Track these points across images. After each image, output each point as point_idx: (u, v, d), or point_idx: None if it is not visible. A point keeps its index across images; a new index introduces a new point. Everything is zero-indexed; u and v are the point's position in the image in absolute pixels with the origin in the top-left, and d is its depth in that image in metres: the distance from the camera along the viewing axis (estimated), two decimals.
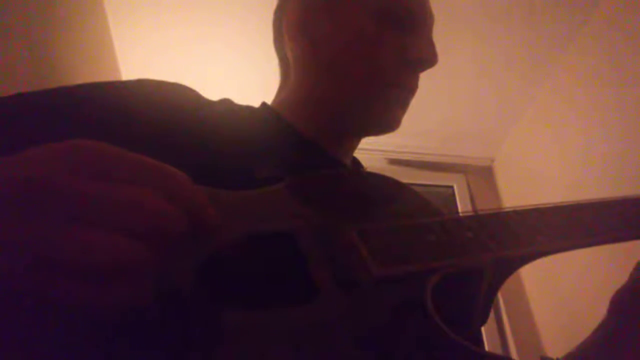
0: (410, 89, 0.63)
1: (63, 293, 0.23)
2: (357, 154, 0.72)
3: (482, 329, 0.54)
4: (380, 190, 0.51)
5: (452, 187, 2.35)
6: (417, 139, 2.24)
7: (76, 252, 0.23)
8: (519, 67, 1.95)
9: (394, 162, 2.34)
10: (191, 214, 0.28)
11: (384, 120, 0.62)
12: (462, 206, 2.26)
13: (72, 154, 0.26)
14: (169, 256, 0.27)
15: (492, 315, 1.98)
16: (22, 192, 0.24)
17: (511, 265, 0.43)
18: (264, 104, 0.68)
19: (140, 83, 0.56)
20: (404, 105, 0.63)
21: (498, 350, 1.90)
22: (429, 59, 0.60)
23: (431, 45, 0.61)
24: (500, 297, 2.00)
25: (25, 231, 0.23)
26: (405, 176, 2.25)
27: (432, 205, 0.50)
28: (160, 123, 0.50)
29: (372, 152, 2.20)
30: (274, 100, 0.70)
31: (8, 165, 0.25)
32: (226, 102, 0.63)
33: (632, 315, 0.49)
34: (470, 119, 2.21)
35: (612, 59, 1.68)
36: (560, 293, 1.86)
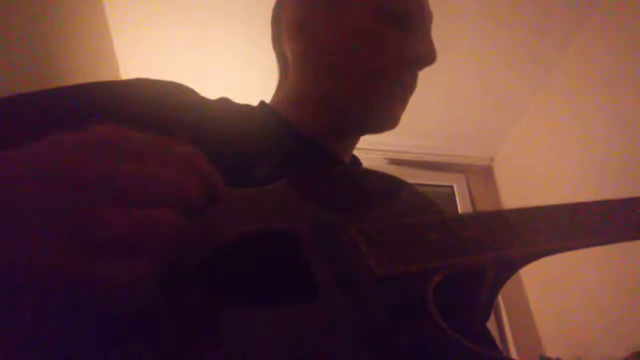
0: (409, 87, 0.63)
1: (101, 269, 0.24)
2: (357, 154, 0.72)
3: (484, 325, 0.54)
4: (381, 188, 0.51)
5: (452, 187, 2.35)
6: (417, 139, 2.24)
7: (115, 227, 0.25)
8: (519, 67, 1.95)
9: (394, 162, 2.34)
10: (207, 184, 0.31)
11: (383, 118, 0.62)
12: (462, 206, 2.26)
13: (98, 140, 0.28)
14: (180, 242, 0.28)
15: (492, 315, 1.98)
16: (59, 184, 0.25)
17: (513, 266, 0.43)
18: (262, 103, 0.68)
19: (139, 82, 0.56)
20: (403, 103, 0.63)
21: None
22: (428, 57, 0.61)
23: (430, 43, 0.61)
24: (500, 297, 2.00)
25: (65, 214, 0.24)
26: (405, 176, 2.22)
27: (432, 202, 0.50)
28: (158, 122, 0.50)
29: (372, 152, 2.20)
30: (273, 99, 0.70)
31: (39, 156, 0.27)
32: (224, 101, 0.63)
33: None
34: (471, 119, 2.21)
35: (612, 58, 1.68)
36: (560, 293, 1.86)
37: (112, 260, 0.25)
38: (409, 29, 0.61)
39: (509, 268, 0.43)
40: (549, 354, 1.84)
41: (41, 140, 0.28)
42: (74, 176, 0.25)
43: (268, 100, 0.70)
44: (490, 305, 0.43)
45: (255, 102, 0.68)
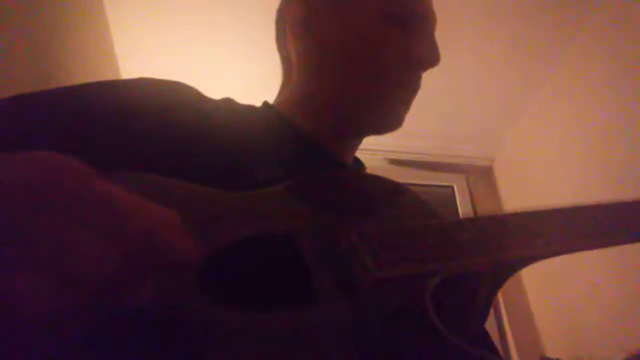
0: (413, 89, 0.63)
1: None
2: (357, 153, 0.72)
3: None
4: (382, 193, 0.51)
5: (452, 187, 2.34)
6: (417, 139, 2.24)
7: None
8: (520, 67, 1.95)
9: (394, 162, 2.34)
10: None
11: (387, 119, 0.62)
12: (462, 206, 2.26)
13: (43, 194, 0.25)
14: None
15: (492, 315, 1.99)
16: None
17: (511, 268, 0.43)
18: (265, 103, 0.68)
19: (142, 82, 0.56)
20: (406, 104, 0.63)
21: (498, 351, 1.90)
22: (431, 58, 0.61)
23: (434, 45, 0.62)
24: (500, 297, 2.00)
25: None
26: (405, 176, 2.25)
27: (433, 208, 0.50)
28: (161, 121, 0.50)
29: (372, 152, 2.20)
30: (276, 99, 0.70)
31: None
32: (228, 101, 0.63)
33: None
34: (471, 119, 2.21)
35: (613, 58, 1.68)
36: (560, 293, 1.86)
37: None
38: (412, 30, 0.61)
39: (507, 271, 0.43)
40: (549, 354, 1.85)
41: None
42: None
43: (270, 100, 0.70)
44: (487, 307, 0.43)
45: (255, 102, 0.68)
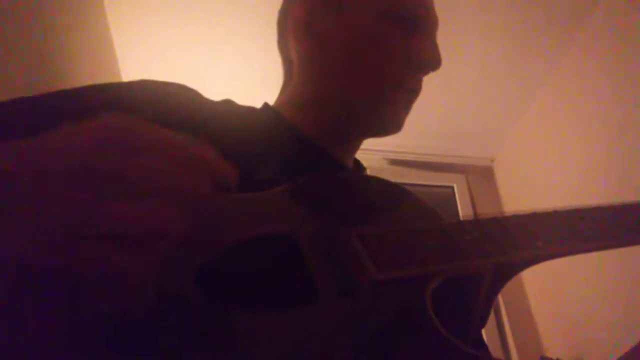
0: (413, 91, 0.63)
1: (106, 261, 0.26)
2: (357, 153, 0.72)
3: (482, 329, 0.54)
4: (382, 195, 0.51)
5: (452, 187, 2.34)
6: (417, 139, 2.24)
7: (119, 222, 0.26)
8: (520, 67, 1.95)
9: (394, 162, 2.34)
10: (217, 177, 0.32)
11: (388, 121, 0.62)
12: (462, 206, 2.26)
13: (111, 134, 0.29)
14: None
15: (492, 315, 1.99)
16: (80, 181, 0.26)
17: (511, 270, 0.43)
18: (265, 105, 0.68)
19: (142, 84, 0.56)
20: (407, 107, 0.63)
21: (498, 351, 1.90)
22: (432, 62, 0.61)
23: (435, 48, 0.62)
24: (500, 297, 2.00)
25: (79, 211, 0.26)
26: (405, 176, 2.25)
27: (432, 209, 0.50)
28: (161, 124, 0.50)
29: (372, 152, 2.20)
30: (277, 101, 0.70)
31: (60, 150, 0.28)
32: (228, 103, 0.63)
33: None
34: (471, 119, 2.21)
35: (614, 58, 1.68)
36: (560, 293, 1.86)
37: (120, 252, 0.26)
38: (414, 32, 0.61)
39: (507, 273, 0.43)
40: (549, 354, 1.85)
41: (59, 131, 0.29)
42: (92, 173, 0.26)
43: (271, 101, 0.70)
44: (487, 309, 0.43)
45: (255, 103, 0.68)
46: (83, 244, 0.25)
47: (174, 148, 0.31)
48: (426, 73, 0.62)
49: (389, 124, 0.62)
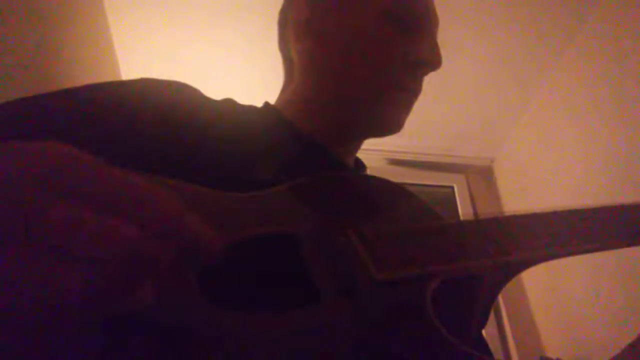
0: (414, 92, 0.63)
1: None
2: (357, 153, 0.72)
3: (482, 330, 0.54)
4: (383, 195, 0.51)
5: (452, 187, 2.34)
6: (417, 139, 2.24)
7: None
8: (520, 67, 1.95)
9: (393, 162, 2.34)
10: (190, 248, 0.26)
11: (388, 122, 0.62)
12: (462, 206, 2.26)
13: (69, 175, 0.25)
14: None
15: (492, 316, 1.99)
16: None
17: (511, 271, 0.43)
18: (266, 104, 0.68)
19: (143, 82, 0.56)
20: (407, 107, 0.63)
21: (498, 351, 1.90)
22: (433, 62, 0.61)
23: (436, 49, 0.61)
24: (500, 298, 2.00)
25: None
26: (405, 176, 2.25)
27: (432, 209, 0.50)
28: (162, 122, 0.50)
29: (371, 152, 2.20)
30: (277, 100, 0.70)
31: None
32: (229, 102, 0.63)
33: None
34: (471, 119, 2.21)
35: (613, 58, 1.68)
36: (560, 293, 1.86)
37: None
38: (415, 33, 0.61)
39: (507, 273, 0.43)
40: (549, 354, 1.85)
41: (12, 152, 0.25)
42: (39, 218, 0.23)
43: (271, 101, 0.70)
44: (487, 310, 0.43)
45: (255, 102, 0.68)
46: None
47: (144, 208, 0.25)
48: (426, 73, 0.62)
49: (390, 125, 0.62)
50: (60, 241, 0.23)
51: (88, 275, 0.23)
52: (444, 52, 0.63)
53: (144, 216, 0.24)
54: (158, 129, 0.49)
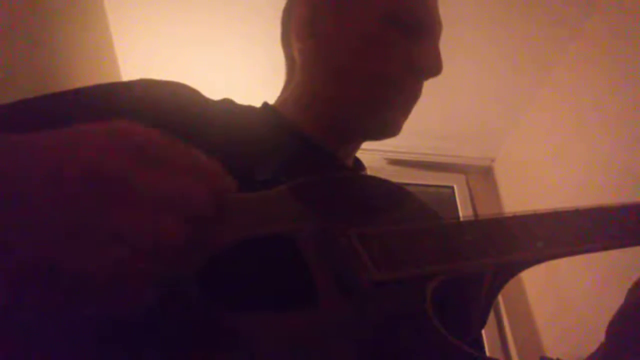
0: (413, 96, 0.63)
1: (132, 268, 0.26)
2: (357, 154, 0.72)
3: (482, 330, 0.54)
4: (383, 195, 0.51)
5: (452, 187, 2.34)
6: (417, 139, 2.24)
7: (143, 234, 0.26)
8: (520, 67, 1.95)
9: (393, 162, 2.34)
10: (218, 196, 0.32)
11: (387, 125, 0.62)
12: (462, 206, 2.26)
13: (123, 140, 0.29)
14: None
15: (492, 315, 1.98)
16: (85, 186, 0.26)
17: (510, 271, 0.43)
18: (265, 104, 0.68)
19: (142, 83, 0.56)
20: (406, 111, 0.63)
21: (498, 351, 1.90)
22: (433, 68, 0.61)
23: (437, 54, 0.61)
24: (500, 297, 2.00)
25: (87, 218, 0.26)
26: (405, 176, 2.25)
27: (432, 209, 0.50)
28: (161, 122, 0.50)
29: (371, 152, 2.20)
30: (277, 99, 0.70)
31: (66, 150, 0.27)
32: (227, 102, 0.63)
33: (627, 341, 0.48)
34: (471, 119, 2.21)
35: (614, 58, 1.68)
36: (560, 293, 1.86)
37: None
38: (417, 38, 0.61)
39: (507, 274, 0.43)
40: (549, 354, 1.84)
41: (68, 130, 0.29)
42: (98, 179, 0.26)
43: (270, 100, 0.70)
44: (487, 310, 0.43)
45: (255, 102, 0.68)
46: (83, 246, 0.25)
47: (183, 160, 0.31)
48: (427, 78, 0.62)
49: (389, 128, 0.62)
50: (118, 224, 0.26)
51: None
52: (444, 52, 0.62)
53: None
54: (158, 129, 0.49)
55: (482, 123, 2.23)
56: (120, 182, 0.27)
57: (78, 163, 0.27)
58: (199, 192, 0.30)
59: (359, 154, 0.72)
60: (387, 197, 0.51)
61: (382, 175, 0.57)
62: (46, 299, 0.25)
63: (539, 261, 0.43)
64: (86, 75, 1.50)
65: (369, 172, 0.71)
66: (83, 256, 0.25)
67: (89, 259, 0.25)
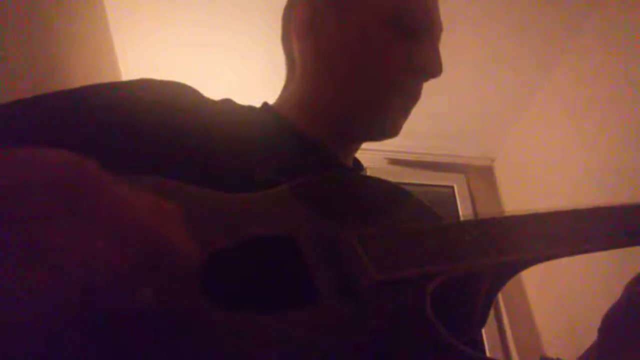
0: (413, 97, 0.63)
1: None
2: (357, 153, 0.72)
3: (482, 330, 0.54)
4: (383, 195, 0.51)
5: (452, 187, 2.34)
6: (417, 139, 2.24)
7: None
8: (520, 67, 1.95)
9: (393, 162, 2.34)
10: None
11: (387, 126, 0.62)
12: (462, 206, 2.26)
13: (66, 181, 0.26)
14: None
15: (492, 315, 1.98)
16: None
17: (510, 271, 0.43)
18: (265, 104, 0.68)
19: (142, 83, 0.56)
20: (405, 112, 0.64)
21: (498, 351, 1.90)
22: (433, 69, 0.61)
23: (437, 55, 0.61)
24: (500, 297, 2.00)
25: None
26: (405, 176, 2.25)
27: (432, 209, 0.50)
28: (161, 123, 0.50)
29: (371, 152, 2.20)
30: (277, 100, 0.70)
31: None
32: (227, 102, 0.63)
33: (622, 338, 0.48)
34: (471, 119, 2.21)
35: (613, 59, 1.68)
36: (560, 293, 1.86)
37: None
38: (417, 39, 0.61)
39: (507, 273, 0.43)
40: (549, 354, 1.85)
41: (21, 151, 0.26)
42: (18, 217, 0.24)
43: (270, 101, 0.70)
44: (487, 310, 0.43)
45: (255, 103, 0.68)
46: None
47: (119, 216, 0.27)
48: (427, 79, 0.62)
49: (388, 129, 0.62)
50: (56, 258, 0.24)
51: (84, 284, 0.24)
52: (444, 52, 0.62)
53: (128, 241, 0.26)
54: (157, 130, 0.49)
55: (482, 123, 2.23)
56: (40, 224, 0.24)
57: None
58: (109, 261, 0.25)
59: (359, 154, 0.72)
60: (387, 197, 0.51)
61: (382, 175, 0.57)
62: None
63: (539, 261, 0.43)
64: (86, 75, 1.50)
65: (369, 172, 0.71)
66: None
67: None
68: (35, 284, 0.23)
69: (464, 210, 2.23)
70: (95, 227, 0.25)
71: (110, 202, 0.27)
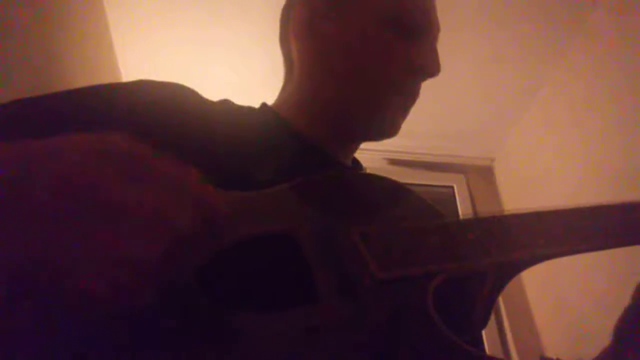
0: (412, 96, 0.63)
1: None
2: (357, 153, 0.72)
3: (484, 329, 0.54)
4: (384, 193, 0.51)
5: (452, 187, 2.34)
6: (417, 139, 2.24)
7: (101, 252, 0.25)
8: (520, 67, 1.95)
9: (393, 162, 2.34)
10: (205, 219, 0.30)
11: (385, 126, 0.62)
12: (462, 206, 2.26)
13: (117, 156, 0.28)
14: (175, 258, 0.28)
15: (492, 315, 1.98)
16: (75, 200, 0.25)
17: (512, 270, 0.43)
18: (264, 105, 0.68)
19: (141, 84, 0.56)
20: (404, 112, 0.64)
21: (498, 351, 1.90)
22: (431, 69, 0.61)
23: (435, 54, 0.62)
24: (500, 298, 2.00)
25: (75, 233, 0.25)
26: (405, 176, 2.25)
27: (433, 207, 0.50)
28: (160, 123, 0.50)
29: (371, 152, 2.20)
30: (276, 100, 0.70)
31: (62, 164, 0.27)
32: (226, 103, 0.63)
33: (635, 341, 0.48)
34: (471, 119, 2.21)
35: (613, 59, 1.68)
36: (560, 293, 1.86)
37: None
38: (415, 39, 0.61)
39: (508, 273, 0.43)
40: (549, 354, 1.84)
41: (63, 140, 0.28)
42: (90, 195, 0.25)
43: (269, 101, 0.70)
44: (489, 309, 0.43)
45: (254, 103, 0.68)
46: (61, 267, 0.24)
47: (169, 177, 0.30)
48: (425, 79, 0.63)
49: (387, 129, 0.62)
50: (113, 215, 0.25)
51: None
52: (443, 51, 0.63)
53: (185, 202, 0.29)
54: (155, 130, 0.49)
55: (482, 123, 2.23)
56: (91, 196, 0.25)
57: (50, 172, 0.26)
58: (178, 213, 0.28)
59: (358, 154, 0.72)
60: (388, 194, 0.51)
61: (382, 175, 0.56)
62: (43, 307, 0.25)
63: (539, 260, 0.43)
64: (86, 75, 1.50)
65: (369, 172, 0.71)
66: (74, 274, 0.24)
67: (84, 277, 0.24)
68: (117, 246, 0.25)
69: (463, 211, 2.23)
70: (157, 188, 0.28)
71: (162, 167, 0.29)
